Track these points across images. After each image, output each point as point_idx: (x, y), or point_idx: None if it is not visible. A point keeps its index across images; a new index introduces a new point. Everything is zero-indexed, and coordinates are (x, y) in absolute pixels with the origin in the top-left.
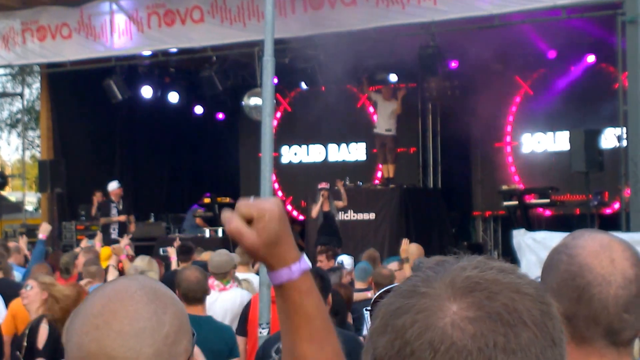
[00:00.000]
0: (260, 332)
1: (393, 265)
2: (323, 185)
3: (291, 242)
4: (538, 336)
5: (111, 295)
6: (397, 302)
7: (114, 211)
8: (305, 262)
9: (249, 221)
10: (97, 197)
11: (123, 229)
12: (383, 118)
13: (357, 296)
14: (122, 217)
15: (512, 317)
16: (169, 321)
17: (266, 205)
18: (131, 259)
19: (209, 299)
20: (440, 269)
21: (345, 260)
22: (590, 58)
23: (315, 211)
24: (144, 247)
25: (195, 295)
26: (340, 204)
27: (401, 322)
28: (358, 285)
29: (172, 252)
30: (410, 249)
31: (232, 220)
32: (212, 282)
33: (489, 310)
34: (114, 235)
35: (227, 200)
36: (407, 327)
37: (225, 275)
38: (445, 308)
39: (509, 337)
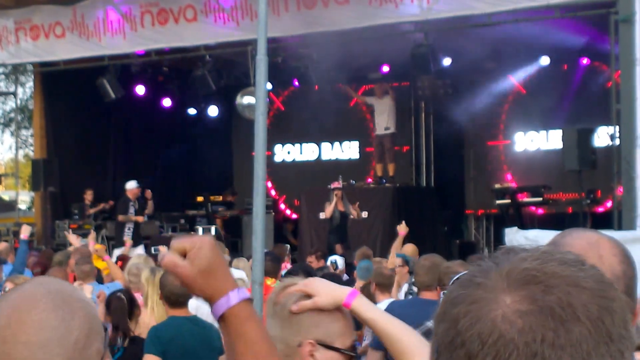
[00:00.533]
0: None
1: (398, 261)
2: (336, 185)
3: (227, 273)
4: (592, 332)
5: (16, 303)
6: (456, 291)
7: (131, 210)
8: (244, 291)
9: (184, 255)
10: (88, 196)
11: (138, 229)
12: (381, 117)
13: None
14: (140, 218)
15: (565, 312)
16: (78, 326)
17: (197, 237)
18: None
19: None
20: (502, 259)
21: (338, 260)
22: (584, 59)
23: (329, 211)
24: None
25: (178, 299)
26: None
27: (456, 312)
28: (359, 284)
29: (164, 251)
30: (405, 249)
31: (166, 255)
32: None
33: (542, 304)
34: (128, 234)
35: (220, 199)
36: (460, 317)
37: None
38: (499, 300)
39: (558, 333)
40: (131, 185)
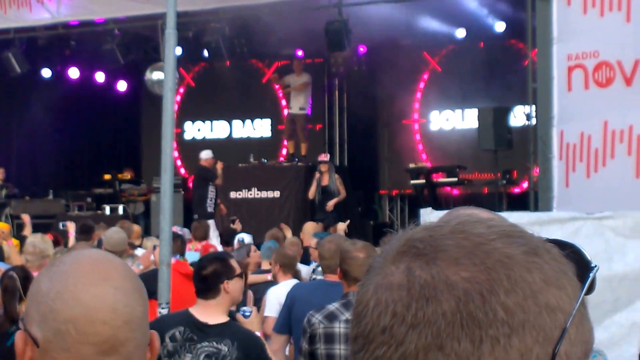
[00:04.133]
0: (160, 313)
1: (314, 242)
2: (323, 157)
3: None
4: (451, 313)
5: (93, 256)
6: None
7: None
8: None
9: None
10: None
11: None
12: (296, 96)
13: (258, 278)
14: None
15: (428, 290)
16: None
17: None
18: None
19: None
20: (405, 231)
21: (246, 239)
22: (501, 36)
23: (311, 192)
24: (42, 224)
25: None
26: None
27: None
28: (264, 265)
29: (71, 226)
30: (305, 227)
31: None
32: None
33: (411, 278)
34: None
35: (128, 177)
36: (358, 286)
37: (121, 254)
38: (386, 272)
39: (411, 309)
40: None
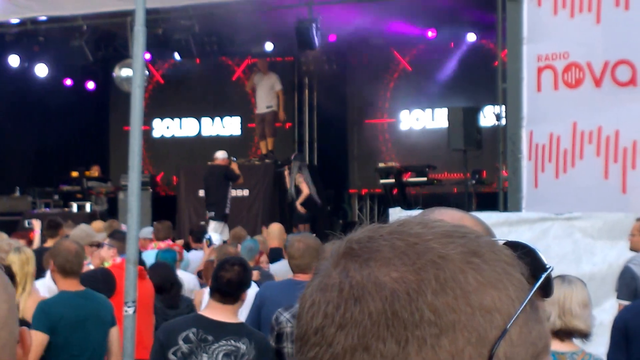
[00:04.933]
0: (126, 311)
1: None
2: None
3: None
4: (376, 314)
5: None
6: None
7: None
8: None
9: None
10: None
11: None
12: (263, 94)
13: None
14: None
15: (356, 290)
16: None
17: None
18: None
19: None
20: (352, 232)
21: (214, 237)
22: (471, 36)
23: (305, 187)
24: (8, 222)
25: (72, 268)
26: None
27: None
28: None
29: (37, 224)
30: (271, 228)
31: None
32: None
33: (343, 279)
34: None
35: (96, 174)
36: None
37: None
38: (329, 273)
39: (340, 310)
40: None
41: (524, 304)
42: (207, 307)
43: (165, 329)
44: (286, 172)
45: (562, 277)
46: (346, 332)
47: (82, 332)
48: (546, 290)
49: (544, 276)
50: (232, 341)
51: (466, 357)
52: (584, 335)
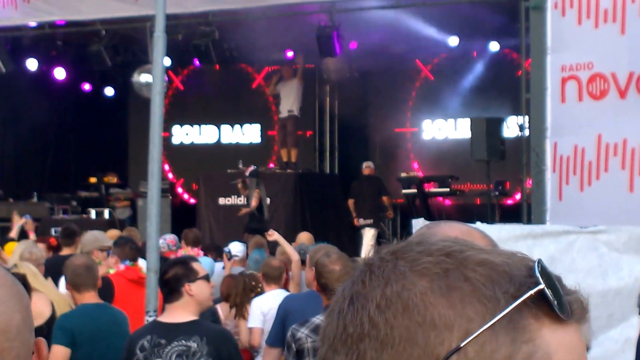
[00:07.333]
0: (147, 320)
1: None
2: (246, 172)
3: None
4: (335, 327)
5: None
6: None
7: None
8: None
9: None
10: None
11: None
12: (286, 100)
13: None
14: None
15: (337, 307)
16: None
17: None
18: None
19: None
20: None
21: (235, 247)
22: (494, 45)
23: (254, 201)
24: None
25: (84, 282)
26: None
27: None
28: None
29: (18, 220)
30: (300, 237)
31: None
32: None
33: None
34: None
35: (114, 180)
36: None
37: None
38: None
39: (324, 326)
40: None
41: (491, 323)
42: (163, 311)
43: (128, 339)
44: (240, 185)
45: None
46: (323, 346)
47: (105, 342)
48: (561, 309)
49: (525, 296)
50: (183, 341)
51: None
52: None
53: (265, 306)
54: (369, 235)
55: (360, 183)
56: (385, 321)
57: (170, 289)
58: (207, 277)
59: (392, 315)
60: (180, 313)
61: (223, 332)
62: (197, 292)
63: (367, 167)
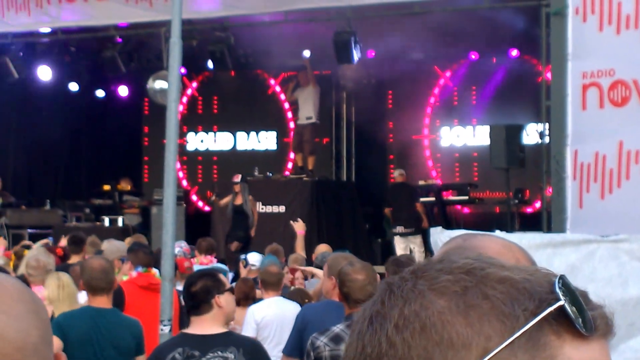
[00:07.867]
0: (162, 330)
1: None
2: (235, 179)
3: None
4: (355, 346)
5: None
6: None
7: None
8: None
9: None
10: None
11: None
12: (304, 106)
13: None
14: None
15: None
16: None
17: None
18: None
19: None
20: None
21: (253, 257)
22: (514, 52)
23: (223, 201)
24: (39, 235)
25: (99, 285)
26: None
27: None
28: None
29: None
30: (318, 249)
31: None
32: None
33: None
34: None
35: (128, 187)
36: None
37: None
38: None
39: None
40: None
41: (509, 341)
42: (190, 323)
43: (154, 353)
44: (237, 190)
45: None
46: None
47: (90, 353)
48: (584, 325)
49: (544, 313)
50: (219, 352)
51: None
52: None
53: (258, 315)
54: (416, 242)
55: (395, 191)
56: (403, 341)
57: (200, 300)
58: (232, 290)
59: (409, 335)
60: (209, 325)
61: (257, 343)
62: (226, 304)
63: (400, 174)
